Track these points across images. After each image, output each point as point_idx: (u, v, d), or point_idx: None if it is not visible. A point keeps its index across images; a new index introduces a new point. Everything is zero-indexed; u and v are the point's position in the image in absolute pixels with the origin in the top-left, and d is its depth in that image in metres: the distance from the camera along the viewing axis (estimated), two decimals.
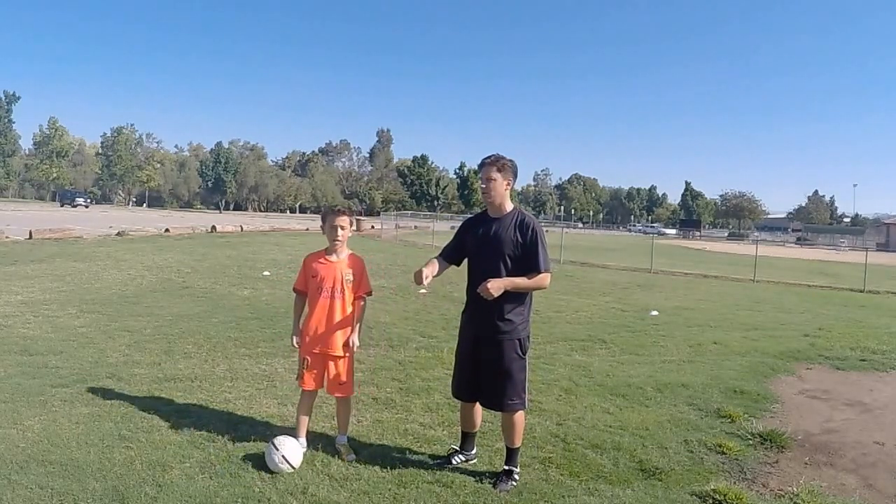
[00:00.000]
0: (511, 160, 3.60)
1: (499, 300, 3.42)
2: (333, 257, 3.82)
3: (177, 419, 4.16)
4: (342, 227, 3.77)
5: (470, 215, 4.15)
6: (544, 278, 3.50)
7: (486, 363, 3.54)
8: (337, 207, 3.87)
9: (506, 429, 3.60)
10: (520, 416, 3.58)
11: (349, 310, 3.81)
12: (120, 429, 3.96)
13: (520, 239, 3.49)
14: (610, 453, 4.02)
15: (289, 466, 3.44)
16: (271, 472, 3.42)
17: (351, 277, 3.80)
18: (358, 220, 35.82)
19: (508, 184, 3.58)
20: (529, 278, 3.47)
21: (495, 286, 3.37)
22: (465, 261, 3.71)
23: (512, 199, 3.64)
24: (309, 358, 3.78)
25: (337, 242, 3.78)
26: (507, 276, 3.45)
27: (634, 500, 3.39)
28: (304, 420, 3.86)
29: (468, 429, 3.81)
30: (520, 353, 3.54)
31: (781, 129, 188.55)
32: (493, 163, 3.54)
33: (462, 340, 3.72)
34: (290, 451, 3.49)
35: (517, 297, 3.51)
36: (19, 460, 3.43)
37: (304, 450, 3.66)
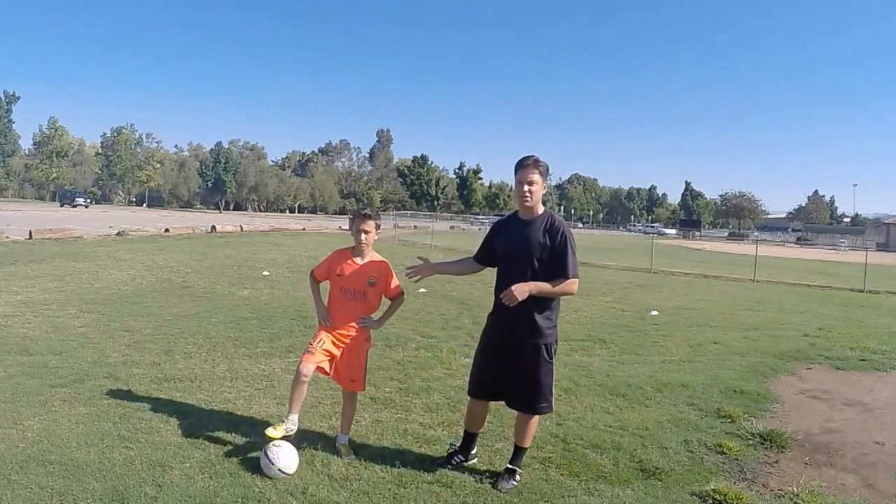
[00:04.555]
0: (545, 162, 3.53)
1: (527, 305, 3.37)
2: (359, 260, 3.85)
3: (177, 419, 4.16)
4: (366, 232, 3.79)
5: (496, 217, 4.09)
6: (572, 284, 3.43)
7: (514, 368, 3.49)
8: (363, 212, 3.86)
9: (520, 428, 3.59)
10: (537, 418, 3.59)
11: (369, 311, 3.87)
12: (120, 429, 3.95)
13: (549, 243, 3.41)
14: (610, 453, 4.02)
15: (286, 476, 3.39)
16: None
17: (374, 281, 3.84)
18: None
19: (544, 186, 3.52)
20: (556, 284, 3.40)
21: (520, 290, 3.32)
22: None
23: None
24: (325, 339, 3.75)
25: (362, 245, 3.81)
26: (534, 280, 3.38)
27: (634, 500, 3.39)
28: (299, 398, 3.71)
29: (473, 429, 3.78)
30: (547, 357, 3.50)
31: (782, 129, 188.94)
32: (535, 165, 3.46)
33: (485, 342, 3.66)
34: (286, 462, 3.41)
35: (545, 303, 3.45)
36: (19, 460, 3.42)
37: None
